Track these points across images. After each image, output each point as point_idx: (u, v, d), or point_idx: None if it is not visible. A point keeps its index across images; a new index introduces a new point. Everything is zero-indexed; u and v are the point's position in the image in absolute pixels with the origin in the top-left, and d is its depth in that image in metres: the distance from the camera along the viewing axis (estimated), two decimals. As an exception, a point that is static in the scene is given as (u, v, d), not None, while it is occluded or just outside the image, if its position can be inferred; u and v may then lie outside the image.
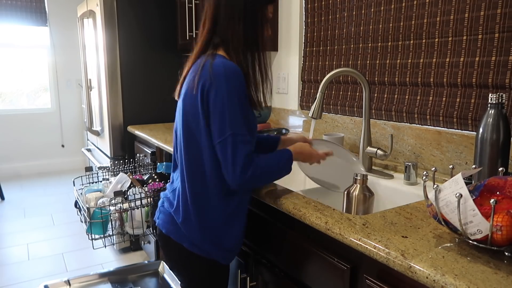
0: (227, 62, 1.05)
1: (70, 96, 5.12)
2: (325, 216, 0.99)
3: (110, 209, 1.80)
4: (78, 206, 1.92)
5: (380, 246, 0.82)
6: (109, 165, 2.55)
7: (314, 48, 2.01)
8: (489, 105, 1.03)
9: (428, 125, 1.47)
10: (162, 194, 1.28)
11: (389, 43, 1.60)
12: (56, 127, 5.12)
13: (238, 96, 1.03)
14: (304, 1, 2.05)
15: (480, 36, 1.29)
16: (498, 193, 0.84)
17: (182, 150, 1.13)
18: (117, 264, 2.62)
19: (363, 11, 1.71)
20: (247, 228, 1.37)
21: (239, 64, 1.08)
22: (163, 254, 1.26)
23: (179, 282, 1.28)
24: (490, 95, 1.02)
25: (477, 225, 0.74)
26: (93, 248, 1.81)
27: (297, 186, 1.72)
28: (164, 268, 1.85)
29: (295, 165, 1.84)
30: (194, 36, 2.40)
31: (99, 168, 2.26)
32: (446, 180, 1.16)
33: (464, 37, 1.34)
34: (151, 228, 1.83)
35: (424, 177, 0.91)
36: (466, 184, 0.77)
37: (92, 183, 2.16)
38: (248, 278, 1.35)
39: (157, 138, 2.25)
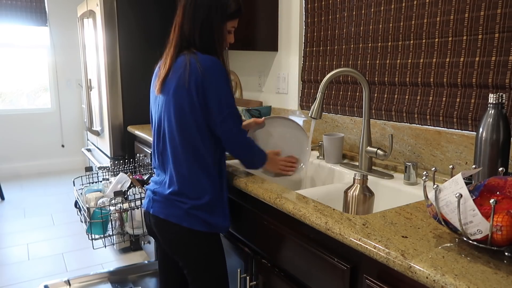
0: (208, 56, 1.24)
1: (70, 96, 5.12)
2: (325, 216, 0.99)
3: (110, 209, 1.80)
4: (78, 206, 1.92)
5: (380, 246, 0.82)
6: (109, 165, 2.55)
7: (314, 48, 2.01)
8: (489, 105, 1.03)
9: (428, 125, 1.47)
10: (149, 188, 1.39)
11: (389, 43, 1.60)
12: (56, 127, 5.12)
13: (226, 80, 1.26)
14: (304, 1, 2.05)
15: (480, 36, 1.29)
16: (498, 193, 0.84)
17: (176, 135, 1.26)
18: (117, 264, 2.62)
19: (363, 11, 1.71)
20: (247, 228, 1.37)
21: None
22: (162, 240, 1.34)
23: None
24: (490, 95, 1.02)
25: (477, 225, 0.74)
26: (93, 248, 1.81)
27: (297, 186, 1.72)
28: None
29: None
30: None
31: (99, 168, 2.26)
32: (446, 180, 1.16)
33: (464, 37, 1.34)
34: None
35: (424, 177, 0.91)
36: (466, 184, 0.77)
37: (92, 183, 2.16)
38: (248, 278, 1.35)
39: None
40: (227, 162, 1.58)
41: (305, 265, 1.08)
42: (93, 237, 1.79)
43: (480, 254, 0.77)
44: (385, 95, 1.64)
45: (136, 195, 1.80)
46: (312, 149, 1.84)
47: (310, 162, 1.72)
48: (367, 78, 1.71)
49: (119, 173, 2.04)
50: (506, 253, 0.76)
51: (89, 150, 3.66)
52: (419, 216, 0.98)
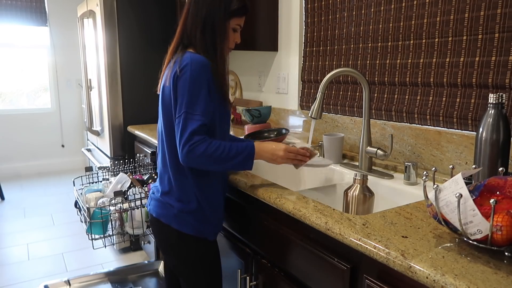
0: (195, 55, 1.19)
1: (70, 96, 5.12)
2: (325, 216, 0.99)
3: (110, 209, 1.80)
4: (78, 206, 1.92)
5: (380, 246, 0.82)
6: (109, 165, 2.55)
7: (314, 48, 2.01)
8: (489, 105, 1.03)
9: (428, 125, 1.47)
10: (152, 185, 1.40)
11: (389, 43, 1.60)
12: (56, 127, 5.12)
13: (198, 81, 1.16)
14: (304, 1, 2.05)
15: (480, 36, 1.29)
16: (498, 193, 0.84)
17: (164, 135, 1.26)
18: (117, 264, 2.62)
19: (363, 11, 1.71)
20: (247, 228, 1.37)
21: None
22: (156, 239, 1.36)
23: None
24: (490, 95, 1.02)
25: (477, 225, 0.74)
26: (93, 248, 1.81)
27: (297, 186, 1.72)
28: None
29: (292, 169, 1.84)
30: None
31: (99, 168, 2.26)
32: (446, 180, 1.16)
33: (464, 37, 1.34)
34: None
35: (424, 177, 0.91)
36: (466, 184, 0.77)
37: (92, 183, 2.16)
38: (248, 278, 1.35)
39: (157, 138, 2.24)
40: None
41: (305, 265, 1.08)
42: (93, 237, 1.79)
43: (480, 254, 0.77)
44: (385, 95, 1.64)
45: (136, 195, 1.80)
46: (312, 149, 1.83)
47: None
48: (367, 78, 1.71)
49: (119, 173, 2.04)
50: (506, 253, 0.76)
51: (89, 150, 3.66)
52: (419, 216, 0.98)
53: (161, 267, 2.02)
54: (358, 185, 1.19)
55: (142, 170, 2.24)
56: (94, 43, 2.91)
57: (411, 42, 1.51)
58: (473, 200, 0.75)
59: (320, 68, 1.98)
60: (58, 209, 3.70)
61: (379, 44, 1.65)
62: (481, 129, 1.03)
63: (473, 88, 1.33)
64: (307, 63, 2.07)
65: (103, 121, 2.99)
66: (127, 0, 2.73)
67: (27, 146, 5.00)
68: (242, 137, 1.90)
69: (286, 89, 2.22)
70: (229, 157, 1.16)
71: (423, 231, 0.89)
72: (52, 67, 4.97)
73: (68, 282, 2.29)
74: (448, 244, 0.82)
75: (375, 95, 1.68)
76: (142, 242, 2.78)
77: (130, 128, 2.77)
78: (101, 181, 2.16)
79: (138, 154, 2.69)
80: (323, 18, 1.94)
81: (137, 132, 2.59)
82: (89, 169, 2.20)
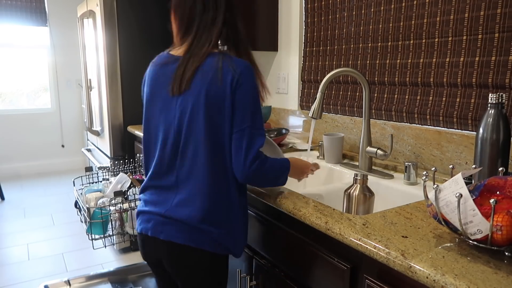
0: (243, 61, 1.14)
1: (70, 96, 5.11)
2: (325, 216, 0.99)
3: (110, 209, 1.80)
4: (78, 206, 1.92)
5: (380, 246, 0.82)
6: (109, 165, 2.55)
7: (314, 48, 2.01)
8: (489, 105, 1.03)
9: (428, 125, 1.47)
10: (149, 210, 1.16)
11: (389, 43, 1.60)
12: (56, 127, 5.12)
13: (257, 92, 1.13)
14: (304, 1, 2.05)
15: (480, 36, 1.29)
16: (498, 193, 0.84)
17: (200, 143, 1.09)
18: (117, 264, 2.62)
19: (363, 11, 1.71)
20: (248, 228, 1.37)
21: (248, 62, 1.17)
22: (175, 269, 1.15)
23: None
24: (490, 95, 1.02)
25: (477, 225, 0.74)
26: (93, 248, 1.81)
27: (297, 186, 1.72)
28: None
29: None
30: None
31: (99, 168, 2.27)
32: (446, 180, 1.16)
33: (464, 37, 1.34)
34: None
35: (424, 177, 0.91)
36: (466, 184, 0.77)
37: (92, 183, 2.16)
38: (248, 278, 1.35)
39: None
40: None
41: (305, 265, 1.08)
42: (93, 237, 1.79)
43: (480, 254, 0.77)
44: (385, 95, 1.64)
45: (136, 195, 1.80)
46: (312, 149, 1.84)
47: (310, 162, 1.72)
48: (367, 78, 1.71)
49: (119, 173, 2.04)
50: (506, 253, 0.76)
51: (89, 150, 3.66)
52: (419, 216, 0.98)
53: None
54: (358, 185, 1.19)
55: (142, 170, 2.24)
56: (94, 43, 2.91)
57: (411, 42, 1.51)
58: (473, 200, 0.75)
59: (320, 68, 1.98)
60: (58, 209, 3.70)
61: (379, 44, 1.65)
62: (481, 129, 1.03)
63: (473, 88, 1.33)
64: (307, 63, 2.07)
65: (103, 121, 2.99)
66: (127, 0, 2.73)
67: (27, 146, 5.00)
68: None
69: (286, 89, 2.22)
70: (279, 173, 1.14)
71: (423, 231, 0.89)
72: (52, 67, 4.97)
73: (68, 282, 2.29)
74: (448, 244, 0.82)
75: (375, 95, 1.68)
76: (142, 242, 2.77)
77: (130, 128, 2.77)
78: (101, 181, 2.16)
79: (138, 154, 2.70)
80: (323, 18, 1.94)
81: (137, 132, 2.59)
82: (89, 169, 2.20)
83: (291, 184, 1.72)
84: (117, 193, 1.76)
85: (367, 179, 1.20)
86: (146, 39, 2.83)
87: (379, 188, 1.40)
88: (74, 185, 2.06)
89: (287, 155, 1.77)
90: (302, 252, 1.09)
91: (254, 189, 1.26)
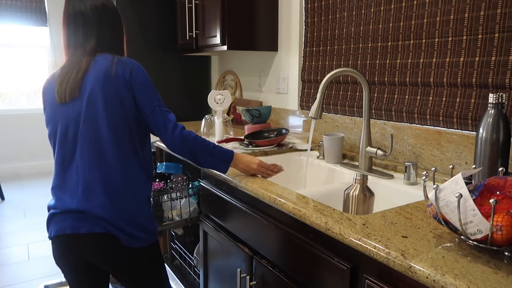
0: (128, 58, 1.29)
1: (70, 96, 5.11)
2: (325, 216, 0.99)
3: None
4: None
5: (380, 246, 0.82)
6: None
7: (314, 48, 2.01)
8: (489, 105, 1.03)
9: (428, 125, 1.47)
10: (62, 207, 1.20)
11: (389, 43, 1.60)
12: (56, 127, 5.12)
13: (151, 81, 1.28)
14: (304, 1, 2.05)
15: (480, 36, 1.29)
16: (498, 193, 0.84)
17: (106, 134, 1.18)
18: (117, 264, 2.62)
19: (363, 11, 1.71)
20: (247, 228, 1.37)
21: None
22: (104, 257, 1.21)
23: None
24: (490, 95, 1.02)
25: (477, 225, 0.74)
26: (93, 248, 1.80)
27: (297, 186, 1.72)
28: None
29: (292, 170, 1.83)
30: (194, 36, 2.40)
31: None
32: (446, 180, 1.16)
33: (464, 37, 1.34)
34: None
35: (424, 177, 0.91)
36: (466, 184, 0.77)
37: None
38: (248, 278, 1.35)
39: (157, 138, 2.24)
40: None
41: (305, 265, 1.08)
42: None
43: (480, 254, 0.77)
44: (385, 95, 1.64)
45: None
46: (312, 149, 1.84)
47: (310, 162, 1.72)
48: (367, 78, 1.71)
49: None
50: (506, 253, 0.76)
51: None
52: (419, 216, 0.98)
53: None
54: (358, 185, 1.19)
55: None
56: (94, 43, 2.90)
57: (411, 42, 1.51)
58: (473, 200, 0.75)
59: (320, 68, 1.98)
60: (58, 209, 3.70)
61: (379, 44, 1.65)
62: (481, 129, 1.03)
63: (473, 88, 1.33)
64: (307, 63, 2.07)
65: (103, 121, 2.98)
66: (127, 0, 2.73)
67: (27, 146, 5.00)
68: (242, 137, 1.90)
69: (286, 89, 2.22)
70: (214, 152, 1.32)
71: (423, 231, 0.89)
72: (52, 67, 4.97)
73: (68, 282, 2.29)
74: (448, 244, 0.82)
75: (375, 95, 1.68)
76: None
77: (130, 128, 2.77)
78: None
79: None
80: (323, 18, 1.94)
81: (137, 132, 2.58)
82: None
83: (291, 184, 1.72)
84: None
85: (367, 179, 1.20)
86: (146, 39, 2.83)
87: (379, 188, 1.40)
88: (74, 185, 2.06)
89: (287, 155, 1.78)
90: (302, 252, 1.09)
91: (254, 189, 1.26)
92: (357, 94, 1.78)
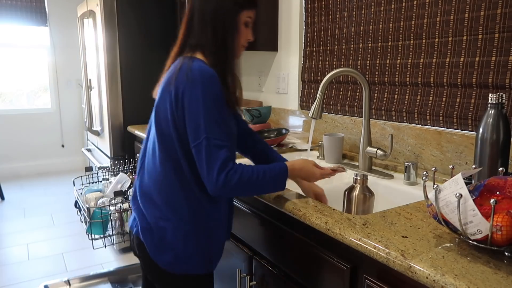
0: (204, 67, 1.04)
1: (70, 96, 5.11)
2: (325, 216, 0.99)
3: (110, 209, 1.80)
4: (78, 206, 1.93)
5: (380, 246, 0.82)
6: (109, 165, 2.55)
7: (314, 48, 2.01)
8: (489, 105, 1.03)
9: (428, 125, 1.47)
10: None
11: (389, 43, 1.60)
12: (56, 127, 5.12)
13: (214, 100, 1.02)
14: (304, 1, 2.05)
15: (480, 36, 1.29)
16: (498, 193, 0.84)
17: (157, 150, 1.09)
18: (117, 264, 2.62)
19: (363, 11, 1.71)
20: (247, 228, 1.37)
21: (214, 67, 1.06)
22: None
23: None
24: (490, 95, 1.02)
25: (477, 225, 0.74)
26: (93, 248, 1.81)
27: (297, 186, 1.71)
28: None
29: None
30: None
31: (99, 168, 2.27)
32: (446, 180, 1.16)
33: (464, 37, 1.34)
34: None
35: (424, 177, 0.91)
36: (466, 184, 0.77)
37: (92, 183, 2.16)
38: (248, 278, 1.35)
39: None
40: None
41: (305, 265, 1.08)
42: (93, 237, 1.79)
43: (480, 254, 0.77)
44: (385, 95, 1.64)
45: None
46: (312, 149, 1.84)
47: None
48: (367, 78, 1.71)
49: (119, 173, 2.04)
50: (506, 253, 0.76)
51: (89, 150, 3.66)
52: (419, 216, 0.98)
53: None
54: (358, 185, 1.19)
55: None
56: (94, 43, 2.91)
57: (411, 42, 1.51)
58: (473, 200, 0.75)
59: (320, 68, 1.98)
60: (58, 209, 3.70)
61: (379, 44, 1.65)
62: (481, 129, 1.03)
63: (473, 88, 1.33)
64: (307, 63, 2.07)
65: (103, 121, 2.99)
66: (127, 0, 2.73)
67: (27, 146, 4.99)
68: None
69: (286, 89, 2.22)
70: (264, 182, 1.06)
71: (423, 231, 0.89)
72: (52, 67, 4.97)
73: (68, 282, 2.29)
74: (448, 244, 0.82)
75: (375, 95, 1.68)
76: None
77: (130, 128, 2.77)
78: (101, 181, 2.17)
79: (138, 154, 2.70)
80: (323, 18, 1.94)
81: (137, 132, 2.59)
82: (89, 169, 2.20)
83: (291, 184, 1.72)
84: (117, 193, 1.76)
85: (367, 179, 1.20)
86: (146, 39, 2.83)
87: (379, 188, 1.40)
88: (74, 185, 2.06)
89: (287, 155, 1.77)
90: (302, 252, 1.09)
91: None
92: (357, 94, 1.78)
